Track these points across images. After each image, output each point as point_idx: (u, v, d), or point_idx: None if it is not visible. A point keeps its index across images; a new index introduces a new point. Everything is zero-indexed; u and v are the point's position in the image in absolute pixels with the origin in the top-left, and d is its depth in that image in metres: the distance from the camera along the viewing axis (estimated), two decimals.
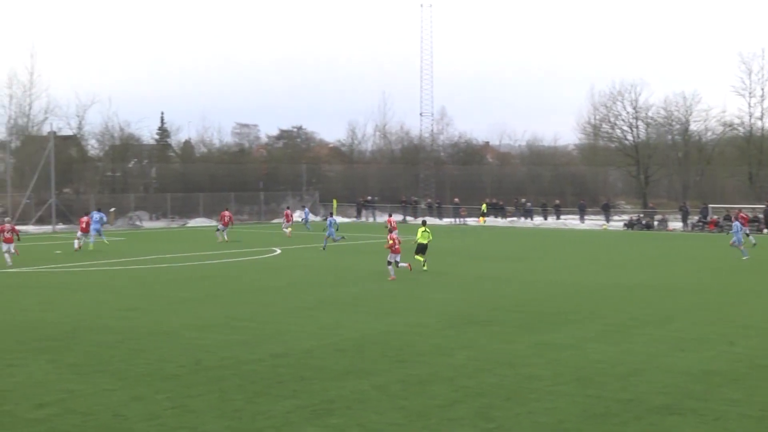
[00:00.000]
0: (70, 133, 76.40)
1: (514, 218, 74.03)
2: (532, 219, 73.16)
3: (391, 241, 31.50)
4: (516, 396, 14.27)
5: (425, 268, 33.08)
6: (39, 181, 62.53)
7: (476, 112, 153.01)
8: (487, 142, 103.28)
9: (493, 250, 44.72)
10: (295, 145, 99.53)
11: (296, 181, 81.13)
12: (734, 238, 38.61)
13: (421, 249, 34.02)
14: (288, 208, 60.30)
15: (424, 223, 36.11)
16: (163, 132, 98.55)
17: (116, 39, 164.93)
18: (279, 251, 41.97)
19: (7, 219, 42.67)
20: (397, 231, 33.25)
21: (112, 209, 65.90)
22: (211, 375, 15.68)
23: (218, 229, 50.62)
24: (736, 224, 39.10)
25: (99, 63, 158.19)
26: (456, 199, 75.90)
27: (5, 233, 36.59)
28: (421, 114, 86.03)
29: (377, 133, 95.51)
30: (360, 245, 47.26)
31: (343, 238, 47.42)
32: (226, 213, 51.34)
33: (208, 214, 71.45)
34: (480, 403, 13.81)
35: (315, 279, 30.87)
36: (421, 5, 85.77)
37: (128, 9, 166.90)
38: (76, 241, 43.00)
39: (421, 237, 34.23)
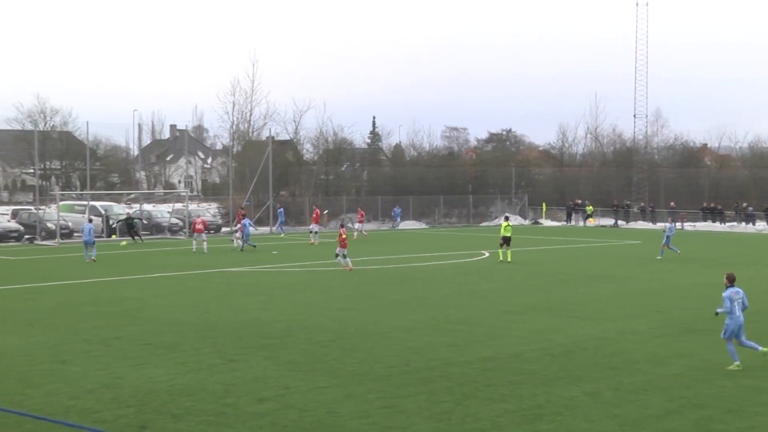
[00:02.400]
0: (287, 137, 79.45)
1: (734, 223, 70.73)
2: (754, 224, 69.65)
3: (344, 236, 34.44)
4: (738, 409, 13.64)
5: (509, 260, 37.51)
6: (258, 184, 65.37)
7: (694, 113, 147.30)
8: (705, 144, 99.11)
9: (710, 256, 42.83)
10: (504, 149, 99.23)
11: (505, 185, 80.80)
12: (665, 240, 40.65)
13: (505, 241, 37.96)
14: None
15: (506, 219, 40.51)
16: (375, 136, 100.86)
17: (330, 46, 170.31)
18: (487, 254, 41.95)
19: (199, 214, 50.77)
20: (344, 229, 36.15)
21: (326, 211, 68.03)
22: (421, 376, 15.88)
23: (314, 232, 50.86)
24: (671, 226, 42.47)
25: (315, 70, 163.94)
26: (672, 203, 73.37)
27: (197, 225, 44.06)
28: (634, 115, 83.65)
29: (589, 136, 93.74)
30: (572, 249, 46.54)
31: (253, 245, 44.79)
32: (318, 211, 52.60)
33: (417, 217, 72.47)
34: (698, 415, 13.29)
35: (524, 282, 30.66)
36: (637, 3, 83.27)
37: (341, 18, 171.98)
38: (238, 241, 45.78)
39: (504, 231, 38.18)
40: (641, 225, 72.24)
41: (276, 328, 20.96)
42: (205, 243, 43.43)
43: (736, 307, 16.45)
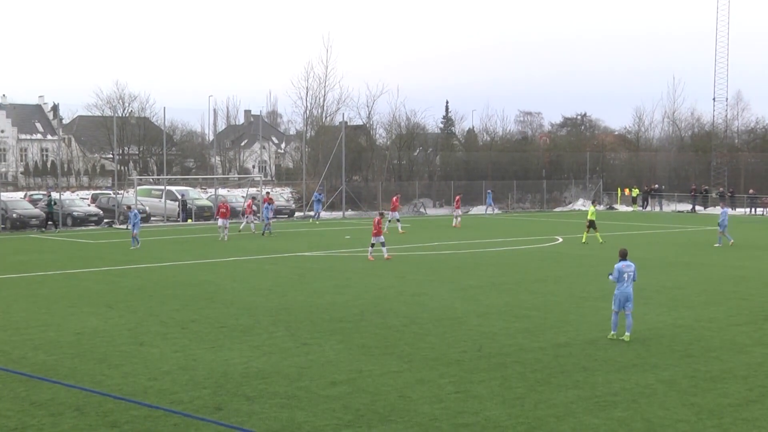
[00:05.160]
0: (360, 122, 79.75)
1: None
2: None
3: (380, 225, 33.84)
4: None
5: (600, 241, 38.88)
6: (331, 169, 65.73)
7: None
8: None
9: None
10: (579, 133, 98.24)
11: (579, 170, 79.95)
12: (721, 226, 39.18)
13: (591, 225, 39.63)
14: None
15: (594, 203, 42.89)
16: (448, 121, 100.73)
17: (403, 31, 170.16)
18: (561, 240, 41.61)
19: (221, 197, 48.52)
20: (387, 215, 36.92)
21: (397, 196, 68.11)
22: (494, 362, 15.85)
23: (396, 220, 47.08)
24: (724, 211, 40.26)
25: (388, 54, 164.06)
26: (750, 191, 71.72)
27: (221, 209, 42.05)
28: (714, 99, 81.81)
29: (666, 120, 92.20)
30: (648, 235, 45.87)
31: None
32: (395, 199, 49.34)
33: (491, 202, 72.10)
34: None
35: (599, 268, 30.30)
36: None
37: (413, 2, 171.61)
38: (250, 224, 45.50)
39: (591, 215, 39.95)
40: (720, 210, 70.88)
41: (349, 312, 21.10)
42: (226, 230, 41.51)
43: (625, 278, 17.92)
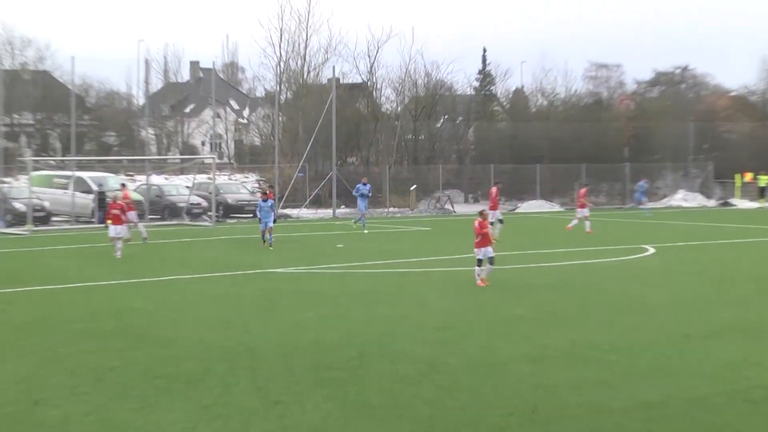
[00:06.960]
0: (357, 80, 79.74)
1: None
2: None
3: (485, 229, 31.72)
4: None
5: None
6: (316, 147, 65.69)
7: None
8: None
9: None
10: (677, 94, 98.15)
11: (678, 147, 79.91)
12: None
13: None
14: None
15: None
16: (485, 77, 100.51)
17: None
18: (653, 250, 41.53)
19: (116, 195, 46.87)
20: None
21: (413, 187, 68.01)
22: (554, 428, 15.73)
23: (499, 221, 45.97)
24: None
25: None
26: None
27: (113, 211, 39.79)
28: None
29: None
30: None
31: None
32: (494, 191, 48.28)
33: (547, 195, 72.02)
34: None
35: (711, 292, 30.25)
36: None
37: None
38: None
39: None
40: None
41: (343, 355, 21.02)
42: (119, 243, 39.91)
43: None
